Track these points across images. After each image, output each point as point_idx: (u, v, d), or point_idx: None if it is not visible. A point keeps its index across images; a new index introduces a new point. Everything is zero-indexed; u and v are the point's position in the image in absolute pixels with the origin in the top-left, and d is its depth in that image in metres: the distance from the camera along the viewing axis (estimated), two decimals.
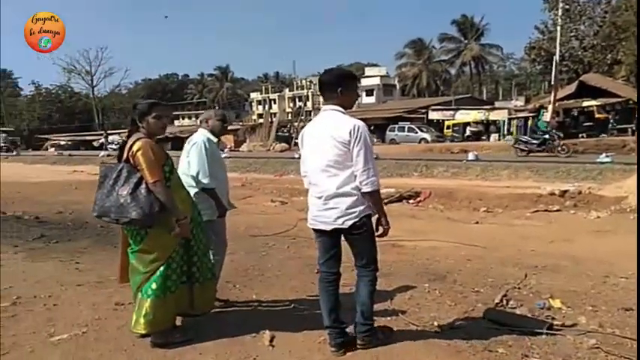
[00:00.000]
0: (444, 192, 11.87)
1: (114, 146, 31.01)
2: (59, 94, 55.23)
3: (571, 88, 27.33)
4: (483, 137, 30.80)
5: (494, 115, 32.15)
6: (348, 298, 3.39)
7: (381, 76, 58.65)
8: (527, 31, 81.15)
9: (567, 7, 28.91)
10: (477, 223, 9.14)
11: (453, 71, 62.01)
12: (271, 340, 3.16)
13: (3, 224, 7.46)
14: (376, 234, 2.97)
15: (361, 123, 2.82)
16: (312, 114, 53.51)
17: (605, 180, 11.56)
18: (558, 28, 27.26)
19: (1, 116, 50.05)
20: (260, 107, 69.57)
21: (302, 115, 41.96)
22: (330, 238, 2.99)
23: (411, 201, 11.43)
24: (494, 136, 30.50)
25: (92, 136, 42.27)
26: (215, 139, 3.80)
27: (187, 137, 3.90)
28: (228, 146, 33.95)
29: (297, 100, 63.87)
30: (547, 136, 17.94)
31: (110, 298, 3.92)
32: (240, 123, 48.95)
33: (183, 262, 3.13)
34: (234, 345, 3.12)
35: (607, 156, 14.65)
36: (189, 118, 65.57)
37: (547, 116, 23.42)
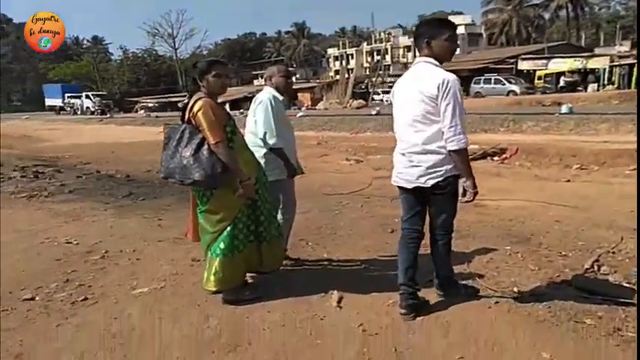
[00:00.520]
0: (532, 148, 11.09)
1: None
2: (145, 58, 58.17)
3: None
4: (579, 88, 28.18)
5: (593, 63, 29.21)
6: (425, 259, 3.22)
7: (466, 25, 55.22)
8: None
9: None
10: (569, 181, 8.46)
11: (546, 16, 56.73)
12: (339, 301, 3.11)
13: (97, 183, 8.05)
14: (462, 199, 2.82)
15: (452, 76, 2.63)
16: (391, 68, 52.17)
17: None
18: None
19: (96, 81, 53.80)
20: (337, 63, 68.77)
21: (380, 70, 40.88)
22: (413, 196, 2.89)
23: (495, 158, 10.81)
24: (592, 87, 27.83)
25: (177, 97, 44.31)
26: (281, 97, 3.68)
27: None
28: (305, 104, 34.10)
29: (375, 54, 62.16)
30: None
31: (188, 254, 4.08)
32: (317, 80, 48.76)
33: (250, 222, 3.13)
34: (302, 304, 3.12)
35: None
36: None
37: None
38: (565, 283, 3.44)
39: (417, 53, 2.86)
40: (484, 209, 6.30)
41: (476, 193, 2.75)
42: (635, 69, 24.93)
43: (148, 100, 44.79)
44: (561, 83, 29.42)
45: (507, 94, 28.25)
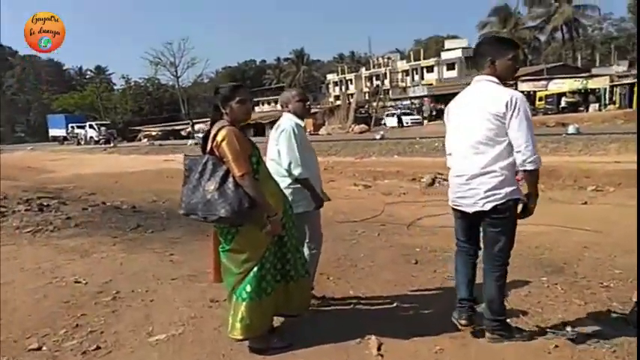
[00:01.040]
0: (543, 169, 10.66)
1: (200, 135, 32.37)
2: (147, 87, 58.60)
3: None
4: (581, 108, 28.25)
5: (593, 83, 29.36)
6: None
7: (463, 48, 55.77)
8: None
9: None
10: (585, 203, 8.27)
11: (542, 38, 57.41)
12: (379, 348, 2.84)
13: (104, 215, 7.83)
14: (520, 216, 2.76)
15: (519, 94, 2.56)
16: (391, 92, 52.46)
17: None
18: None
19: (99, 111, 54.06)
20: (337, 89, 69.23)
21: (380, 94, 41.09)
22: (470, 221, 2.81)
23: None
24: (593, 107, 27.93)
25: (180, 125, 44.45)
26: (302, 123, 3.48)
27: (269, 123, 3.62)
28: (308, 130, 34.16)
29: (374, 78, 62.68)
30: None
31: (204, 293, 3.82)
32: (318, 106, 49.01)
33: (277, 260, 2.89)
34: (339, 353, 2.83)
35: None
36: (269, 103, 66.81)
37: None
38: (618, 318, 3.19)
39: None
40: None
41: (533, 209, 2.71)
42: (636, 88, 24.94)
43: (151, 129, 44.96)
44: (563, 104, 29.53)
45: None
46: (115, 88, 67.93)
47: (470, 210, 2.71)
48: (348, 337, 2.97)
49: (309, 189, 3.32)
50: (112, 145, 35.58)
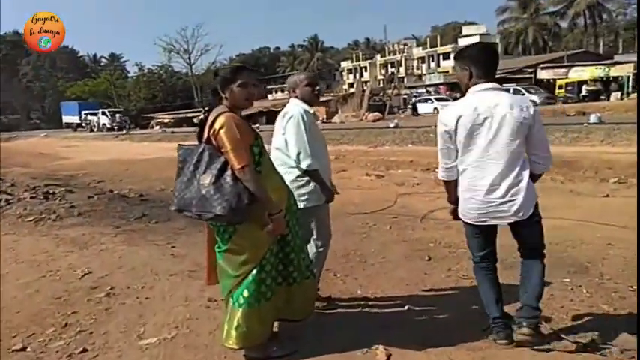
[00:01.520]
0: (563, 161, 10.48)
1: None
2: (161, 74, 58.60)
3: None
4: (602, 97, 27.38)
5: (615, 71, 28.43)
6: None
7: (481, 35, 54.61)
8: None
9: None
10: (607, 196, 7.86)
11: (563, 24, 55.90)
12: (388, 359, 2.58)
13: (109, 204, 7.68)
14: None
15: (529, 102, 2.61)
16: (406, 80, 51.73)
17: None
18: None
19: (112, 98, 54.23)
20: (351, 76, 68.56)
21: (395, 82, 40.45)
22: (491, 233, 2.74)
23: None
24: (615, 95, 27.03)
25: (192, 113, 44.33)
26: (311, 109, 3.16)
27: (281, 111, 3.33)
28: (320, 118, 33.77)
29: (389, 66, 61.85)
30: None
31: (203, 292, 3.59)
32: (332, 93, 48.52)
33: (278, 261, 2.63)
34: None
35: None
36: (282, 91, 66.50)
37: None
38: None
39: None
40: None
41: None
42: (636, 83, 24.14)
43: (164, 116, 44.95)
44: (583, 92, 28.66)
45: None
46: (129, 75, 68.15)
47: (505, 222, 2.62)
48: (354, 346, 2.71)
49: (318, 182, 3.05)
50: (124, 132, 35.60)
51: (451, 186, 2.70)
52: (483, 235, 2.72)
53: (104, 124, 41.54)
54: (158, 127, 38.83)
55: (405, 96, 38.68)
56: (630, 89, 26.88)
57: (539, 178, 2.67)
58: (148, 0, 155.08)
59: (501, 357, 2.57)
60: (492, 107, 2.48)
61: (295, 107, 3.10)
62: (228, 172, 2.37)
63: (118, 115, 42.17)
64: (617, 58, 35.43)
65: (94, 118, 43.27)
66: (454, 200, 2.73)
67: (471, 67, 2.54)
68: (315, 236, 3.20)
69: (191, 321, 3.14)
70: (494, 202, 2.54)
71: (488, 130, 2.49)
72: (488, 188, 2.54)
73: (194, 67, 57.04)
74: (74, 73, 70.23)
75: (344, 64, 73.82)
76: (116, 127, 39.06)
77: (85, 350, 2.83)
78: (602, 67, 29.33)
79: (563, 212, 6.61)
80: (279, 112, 3.32)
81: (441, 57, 56.86)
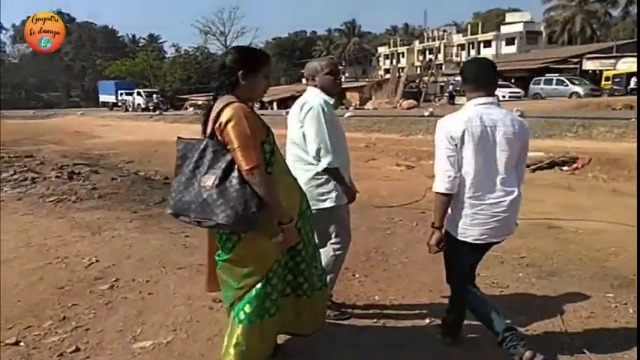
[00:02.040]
0: (607, 158, 9.85)
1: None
2: (197, 56, 58.91)
3: None
4: None
5: None
6: None
7: (525, 22, 52.50)
8: None
9: None
10: None
11: (615, 13, 53.07)
12: None
13: (131, 186, 7.60)
14: None
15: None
16: (444, 67, 50.32)
17: None
18: None
19: (149, 78, 54.98)
20: (387, 62, 67.34)
21: (432, 69, 39.34)
22: (484, 253, 2.65)
23: (565, 168, 9.65)
24: None
25: None
26: (332, 100, 2.85)
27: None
28: (353, 104, 33.24)
29: (427, 52, 60.34)
30: None
31: None
32: (367, 79, 47.74)
33: (287, 272, 2.35)
34: None
35: None
36: None
37: None
38: None
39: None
40: (561, 233, 5.37)
41: None
42: (637, 80, 22.53)
43: (198, 98, 45.25)
44: (632, 85, 27.02)
45: (570, 96, 26.39)
46: (166, 56, 68.89)
47: (507, 236, 2.57)
48: None
49: (339, 181, 2.75)
50: (157, 112, 35.99)
51: (448, 203, 2.45)
52: (477, 256, 2.63)
53: (139, 104, 42.10)
54: (192, 109, 39.07)
55: (442, 84, 37.57)
56: None
57: None
58: None
59: None
60: (496, 120, 2.43)
61: (315, 97, 2.78)
62: (235, 174, 2.04)
63: (155, 96, 42.68)
64: None
65: (129, 98, 43.93)
66: (442, 224, 2.49)
67: (466, 82, 2.53)
68: (332, 239, 2.92)
69: (191, 324, 2.92)
70: (498, 216, 2.43)
71: (494, 142, 2.42)
72: (495, 202, 2.42)
73: None
74: (113, 53, 71.51)
75: (381, 49, 72.52)
76: (151, 107, 39.54)
77: (77, 350, 2.66)
78: None
79: (607, 214, 6.15)
80: None
81: (482, 45, 55.06)
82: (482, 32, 55.95)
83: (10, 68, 70.07)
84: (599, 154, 10.13)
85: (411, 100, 29.48)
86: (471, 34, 57.17)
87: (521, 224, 2.77)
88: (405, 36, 74.87)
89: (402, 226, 5.52)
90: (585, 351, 2.60)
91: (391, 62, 64.76)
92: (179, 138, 2.28)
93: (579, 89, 27.00)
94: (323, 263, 2.71)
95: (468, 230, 2.44)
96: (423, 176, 9.40)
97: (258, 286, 2.19)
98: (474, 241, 2.46)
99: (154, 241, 4.55)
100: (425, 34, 63.73)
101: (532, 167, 9.30)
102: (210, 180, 2.05)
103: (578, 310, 3.20)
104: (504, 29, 54.00)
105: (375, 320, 3.07)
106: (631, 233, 5.30)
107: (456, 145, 2.40)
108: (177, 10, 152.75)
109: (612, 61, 29.40)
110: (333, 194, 2.79)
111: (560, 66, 32.11)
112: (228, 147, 2.08)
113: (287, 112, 3.00)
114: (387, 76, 45.34)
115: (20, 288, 3.46)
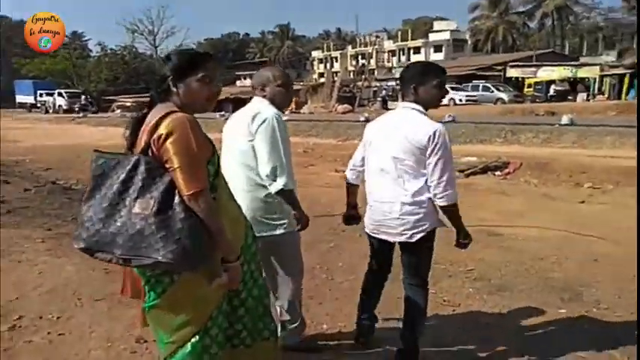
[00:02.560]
0: (536, 162, 10.22)
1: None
2: (124, 55, 56.17)
3: None
4: (570, 97, 27.73)
5: (583, 72, 28.81)
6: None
7: (451, 31, 54.79)
8: None
9: None
10: (583, 202, 7.61)
11: (531, 24, 56.79)
12: None
13: (47, 198, 6.83)
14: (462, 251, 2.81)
15: (442, 127, 2.46)
16: (376, 72, 51.36)
17: None
18: None
19: (72, 78, 51.73)
20: (321, 66, 67.70)
21: (365, 74, 39.97)
22: (388, 248, 2.77)
23: (497, 173, 9.89)
24: (581, 96, 27.37)
25: None
26: (282, 115, 2.51)
27: (250, 99, 2.62)
28: (289, 108, 32.97)
29: (359, 57, 61.36)
30: None
31: (131, 327, 2.91)
32: (302, 83, 47.67)
33: (223, 319, 1.92)
34: None
35: None
36: (251, 77, 65.04)
37: None
38: None
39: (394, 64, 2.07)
40: (503, 241, 5.40)
41: (468, 243, 2.68)
42: (626, 79, 24.50)
43: (126, 99, 43.10)
44: (551, 92, 28.95)
45: (495, 102, 27.75)
46: (92, 55, 65.10)
47: (392, 240, 2.62)
48: None
49: (293, 205, 2.43)
50: (82, 115, 33.89)
51: (349, 190, 2.90)
52: (381, 250, 2.76)
53: (60, 106, 39.69)
54: (119, 111, 37.08)
55: (376, 88, 38.28)
56: (596, 91, 27.26)
57: (449, 210, 2.52)
58: None
59: None
60: (393, 125, 2.54)
61: (269, 110, 2.42)
62: (177, 199, 1.64)
63: (83, 97, 40.41)
64: (582, 59, 36.12)
65: (50, 99, 41.29)
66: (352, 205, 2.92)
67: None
68: (284, 271, 2.59)
69: None
70: (386, 215, 2.56)
71: (389, 147, 2.51)
72: (382, 201, 2.56)
73: (159, 50, 55.04)
74: (31, 51, 66.65)
75: (315, 53, 72.86)
76: (77, 109, 37.27)
77: None
78: (570, 67, 29.70)
79: (541, 219, 6.28)
80: (247, 99, 2.67)
81: (412, 51, 56.82)
82: (412, 39, 57.77)
83: None
84: (529, 158, 10.51)
85: (346, 105, 29.73)
86: (402, 41, 58.85)
87: None
88: (338, 41, 75.79)
89: (345, 238, 5.27)
90: None
91: (325, 66, 65.13)
92: (97, 151, 1.78)
93: (504, 95, 28.47)
94: (282, 299, 2.47)
95: (366, 220, 2.75)
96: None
97: (195, 340, 1.78)
98: (369, 233, 2.75)
99: (68, 267, 3.95)
100: (357, 40, 64.90)
101: (466, 172, 9.49)
102: (146, 206, 1.62)
103: (534, 326, 3.15)
104: (432, 37, 56.05)
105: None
106: (568, 239, 5.43)
107: (364, 144, 2.73)
108: (103, 6, 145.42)
109: (533, 69, 31.32)
110: (286, 220, 2.47)
111: (486, 73, 33.75)
112: (167, 166, 1.67)
113: (222, 116, 2.62)
114: (322, 80, 45.58)
115: None
